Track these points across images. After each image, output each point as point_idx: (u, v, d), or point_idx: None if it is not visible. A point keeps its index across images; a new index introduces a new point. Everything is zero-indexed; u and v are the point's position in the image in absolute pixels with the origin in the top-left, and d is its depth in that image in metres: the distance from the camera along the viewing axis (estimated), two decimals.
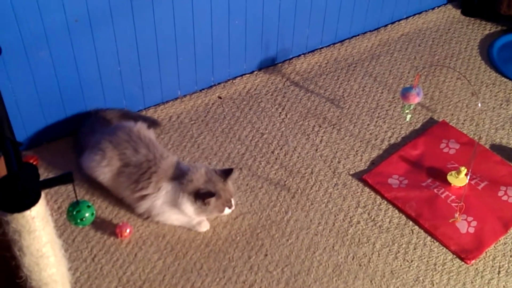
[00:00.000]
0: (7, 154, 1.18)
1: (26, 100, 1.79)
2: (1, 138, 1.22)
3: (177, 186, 1.63)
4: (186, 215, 1.65)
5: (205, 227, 1.68)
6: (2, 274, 1.28)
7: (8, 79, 1.71)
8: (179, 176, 1.64)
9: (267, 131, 2.00)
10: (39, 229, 1.15)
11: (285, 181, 1.84)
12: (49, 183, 1.15)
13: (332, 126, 2.02)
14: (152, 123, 1.97)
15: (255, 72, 2.22)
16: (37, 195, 1.10)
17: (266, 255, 1.64)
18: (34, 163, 1.82)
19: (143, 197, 1.65)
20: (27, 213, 1.10)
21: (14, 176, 1.09)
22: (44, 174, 1.81)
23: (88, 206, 1.23)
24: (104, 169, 1.69)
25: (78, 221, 1.23)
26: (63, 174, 1.16)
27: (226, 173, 1.65)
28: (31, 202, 1.09)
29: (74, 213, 1.22)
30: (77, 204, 1.22)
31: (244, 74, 2.21)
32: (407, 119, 2.00)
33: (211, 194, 1.59)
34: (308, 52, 2.31)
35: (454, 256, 1.65)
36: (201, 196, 1.59)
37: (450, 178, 1.82)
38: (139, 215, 1.70)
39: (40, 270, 1.22)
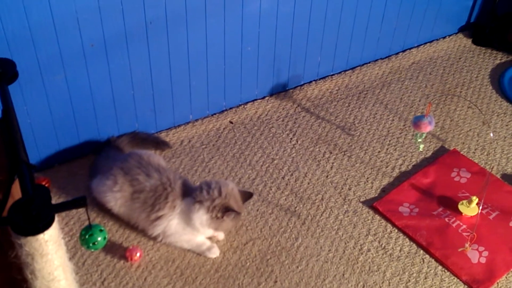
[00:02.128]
0: (22, 178, 1.19)
1: (40, 123, 1.82)
2: (16, 161, 1.23)
3: (189, 201, 1.65)
4: (195, 229, 1.65)
5: (214, 253, 1.68)
6: None
7: (24, 102, 1.73)
8: (190, 192, 1.67)
9: (277, 157, 2.01)
10: (51, 252, 1.15)
11: (296, 207, 1.84)
12: (63, 207, 1.16)
13: (343, 153, 2.02)
14: (162, 144, 2.00)
15: (267, 98, 2.23)
16: (51, 219, 1.11)
17: (275, 281, 1.63)
18: (46, 185, 1.83)
19: (159, 217, 1.66)
20: (41, 236, 1.11)
21: (28, 200, 1.10)
22: (56, 196, 1.82)
23: (101, 230, 1.23)
24: (116, 194, 1.71)
25: (91, 245, 1.23)
26: (77, 198, 1.17)
27: (245, 196, 1.70)
28: (45, 225, 1.10)
29: (87, 237, 1.22)
30: (90, 228, 1.22)
31: (256, 100, 2.22)
32: (420, 149, 2.00)
33: (234, 210, 1.62)
34: (320, 79, 2.32)
35: (465, 286, 1.64)
36: (225, 210, 1.62)
37: (461, 207, 1.81)
38: (153, 238, 1.70)
39: None
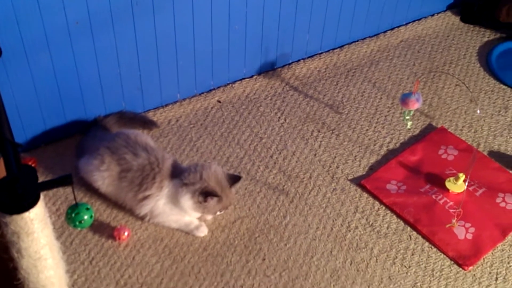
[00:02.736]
0: (6, 156, 1.18)
1: (25, 102, 1.80)
2: (0, 140, 1.22)
3: (177, 183, 1.64)
4: (183, 211, 1.65)
5: (202, 232, 1.69)
6: (0, 276, 1.28)
7: (8, 81, 1.71)
8: (179, 173, 1.66)
9: (266, 136, 2.00)
10: (37, 231, 1.14)
11: (284, 186, 1.84)
12: (48, 185, 1.15)
13: (331, 131, 2.02)
14: (150, 124, 1.99)
15: (255, 77, 2.22)
16: (36, 197, 1.10)
17: (264, 259, 1.64)
18: (33, 165, 1.82)
19: (147, 197, 1.65)
20: (26, 215, 1.10)
21: (13, 178, 1.09)
22: (42, 176, 1.81)
23: (87, 209, 1.23)
24: (103, 173, 1.70)
25: (77, 223, 1.23)
26: (62, 176, 1.16)
27: (233, 180, 1.67)
28: (30, 204, 1.09)
29: (73, 215, 1.21)
30: (76, 207, 1.22)
31: (244, 79, 2.21)
32: (408, 126, 2.01)
33: (215, 195, 1.61)
34: (308, 57, 2.31)
35: (452, 262, 1.66)
36: (206, 194, 1.60)
37: (448, 184, 1.82)
38: (140, 217, 1.70)
39: (38, 273, 1.21)
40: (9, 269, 1.22)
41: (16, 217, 1.10)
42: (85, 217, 1.22)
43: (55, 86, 1.82)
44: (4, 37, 1.60)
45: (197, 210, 1.65)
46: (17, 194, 1.08)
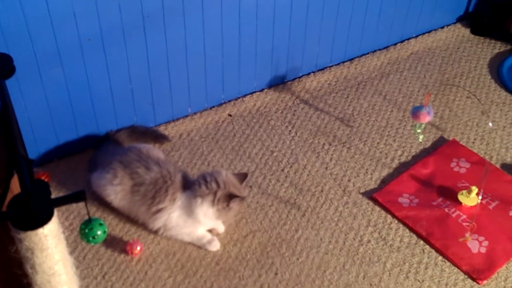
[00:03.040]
0: (20, 172, 1.19)
1: (38, 117, 1.81)
2: (15, 156, 1.23)
3: (190, 194, 1.65)
4: (197, 221, 1.65)
5: (215, 246, 1.69)
6: None
7: (21, 97, 1.73)
8: (190, 185, 1.67)
9: (277, 149, 2.01)
10: (51, 247, 1.15)
11: (295, 199, 1.84)
12: (62, 201, 1.16)
13: (342, 145, 2.02)
14: (161, 138, 2.00)
15: (265, 90, 2.23)
16: (50, 213, 1.11)
17: (276, 273, 1.63)
18: (46, 179, 1.83)
19: (160, 210, 1.66)
20: (40, 231, 1.10)
21: (27, 194, 1.10)
22: (55, 191, 1.82)
23: (100, 224, 1.23)
24: (116, 187, 1.70)
25: (90, 239, 1.23)
26: (76, 192, 1.17)
27: (242, 178, 1.70)
28: (44, 220, 1.10)
29: (87, 231, 1.22)
30: (89, 222, 1.22)
31: (254, 92, 2.22)
32: (420, 140, 2.00)
33: (238, 196, 1.63)
34: (318, 70, 2.32)
35: (466, 276, 1.64)
36: (230, 197, 1.63)
37: (461, 197, 1.81)
38: (154, 232, 1.70)
39: None
40: (23, 285, 1.22)
41: (30, 233, 1.10)
42: (99, 232, 1.22)
43: (68, 101, 1.83)
44: (18, 52, 1.62)
45: (219, 217, 1.66)
46: (31, 211, 1.09)
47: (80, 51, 1.74)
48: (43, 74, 1.73)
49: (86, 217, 1.23)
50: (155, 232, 1.70)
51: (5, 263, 1.21)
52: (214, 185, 1.64)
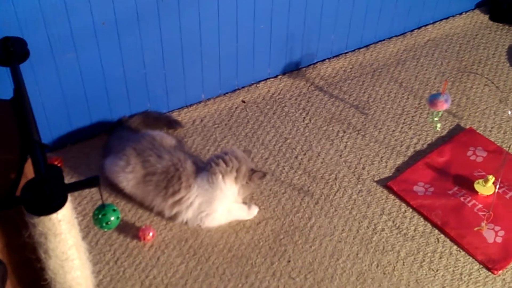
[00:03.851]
0: (35, 157, 1.19)
1: (52, 102, 1.81)
2: (29, 141, 1.23)
3: (205, 175, 1.66)
4: (220, 199, 1.66)
5: (254, 211, 1.73)
6: (27, 276, 1.28)
7: (35, 81, 1.73)
8: (202, 168, 1.68)
9: (290, 136, 1.99)
10: (65, 232, 1.15)
11: (309, 187, 1.82)
12: (76, 187, 1.15)
13: (356, 132, 2.00)
14: (175, 124, 1.99)
15: (279, 77, 2.21)
16: (64, 198, 1.11)
17: (289, 261, 1.63)
18: (59, 164, 1.83)
19: (178, 201, 1.65)
20: (54, 216, 1.10)
21: (42, 179, 1.10)
22: (68, 176, 1.82)
23: (114, 210, 1.23)
24: (128, 175, 1.70)
25: (104, 224, 1.23)
26: (90, 178, 1.16)
27: (249, 154, 1.75)
28: (58, 205, 1.10)
29: (100, 216, 1.21)
30: (103, 208, 1.22)
31: (268, 78, 2.20)
32: (437, 128, 1.97)
33: (263, 173, 1.70)
34: (333, 57, 2.29)
35: (481, 266, 1.62)
36: (253, 172, 1.68)
37: (477, 186, 1.79)
38: (170, 218, 1.70)
39: (65, 273, 1.22)
40: (36, 269, 1.22)
41: (44, 218, 1.10)
42: (112, 218, 1.22)
43: (81, 86, 1.83)
44: (32, 37, 1.61)
45: (242, 192, 1.69)
46: (45, 195, 1.09)
47: (94, 36, 1.73)
48: (57, 59, 1.72)
49: (99, 203, 1.23)
50: (170, 219, 1.70)
51: (19, 248, 1.21)
52: (235, 162, 1.66)
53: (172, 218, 1.69)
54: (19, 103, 1.34)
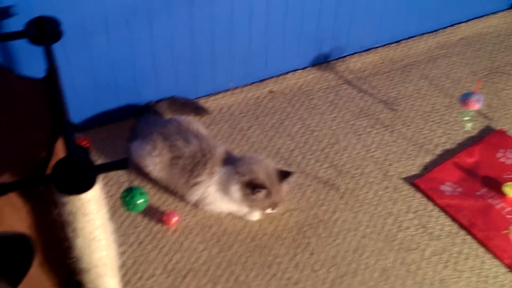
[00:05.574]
0: (67, 137, 1.19)
1: (81, 83, 1.81)
2: (61, 121, 1.23)
3: (229, 170, 1.64)
4: (233, 200, 1.64)
5: (255, 216, 1.68)
6: (54, 254, 1.29)
7: (66, 62, 1.73)
8: (231, 162, 1.66)
9: (317, 129, 1.97)
10: (93, 212, 1.15)
11: (334, 181, 1.81)
12: (106, 168, 1.16)
13: (384, 128, 1.98)
14: (201, 110, 1.98)
15: (308, 68, 2.19)
16: (94, 179, 1.11)
17: (312, 253, 1.62)
18: (87, 145, 1.83)
19: (197, 183, 1.65)
20: (83, 196, 1.11)
21: (73, 159, 1.10)
22: (94, 157, 1.82)
23: (142, 193, 1.23)
24: (155, 159, 1.70)
25: (131, 207, 1.23)
26: (119, 160, 1.17)
27: (284, 175, 1.64)
28: (88, 185, 1.10)
29: (128, 199, 1.22)
30: (131, 191, 1.22)
31: (297, 70, 2.18)
32: (468, 128, 1.93)
33: (262, 187, 1.58)
34: (363, 51, 2.27)
35: (508, 269, 1.60)
36: (253, 186, 1.59)
37: (506, 189, 1.76)
38: (193, 204, 1.70)
39: (91, 253, 1.23)
40: (63, 248, 1.23)
41: (74, 198, 1.10)
42: (140, 201, 1.23)
43: (111, 68, 1.83)
44: (65, 17, 1.61)
45: (245, 202, 1.63)
46: (76, 175, 1.09)
47: (126, 19, 1.73)
48: (88, 41, 1.72)
49: (125, 185, 1.24)
50: (194, 205, 1.70)
51: (47, 226, 1.22)
52: (248, 169, 1.61)
53: (191, 200, 1.69)
54: (51, 83, 1.34)
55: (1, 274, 1.25)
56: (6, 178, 1.15)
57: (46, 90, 1.37)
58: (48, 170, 1.20)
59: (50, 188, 1.16)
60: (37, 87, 1.40)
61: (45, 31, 1.40)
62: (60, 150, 1.25)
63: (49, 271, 1.33)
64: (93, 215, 1.15)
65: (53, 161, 1.21)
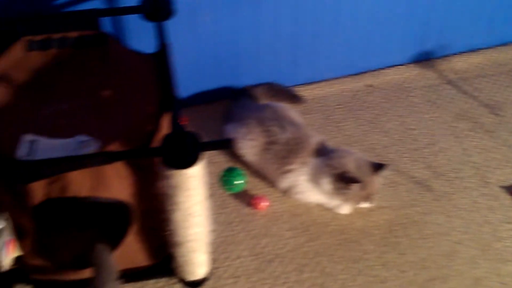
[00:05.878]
0: (174, 113, 1.22)
1: (184, 61, 1.83)
2: (170, 96, 1.26)
3: (321, 162, 1.62)
4: (323, 193, 1.63)
5: (346, 209, 1.66)
6: (151, 224, 1.33)
7: (171, 39, 1.76)
8: (324, 153, 1.64)
9: (415, 127, 1.92)
10: (194, 188, 1.18)
11: (429, 182, 1.75)
12: (210, 146, 1.18)
13: (486, 133, 1.89)
14: (297, 98, 1.97)
15: (409, 65, 2.13)
16: (199, 156, 1.13)
17: (400, 254, 1.58)
18: (185, 123, 1.87)
19: (289, 171, 1.65)
20: (187, 171, 1.13)
21: (183, 134, 1.12)
22: None
23: (241, 175, 1.24)
24: (249, 142, 1.71)
25: (230, 186, 1.25)
26: (224, 139, 1.19)
27: (377, 167, 1.61)
28: (193, 161, 1.12)
29: (229, 178, 1.23)
30: (232, 171, 1.24)
31: (398, 65, 2.13)
32: None
33: (356, 181, 1.56)
34: (469, 51, 2.18)
35: None
36: (346, 180, 1.56)
37: None
38: (282, 191, 1.70)
39: (187, 227, 1.25)
40: (159, 219, 1.26)
41: (178, 172, 1.13)
42: (239, 181, 1.24)
43: (214, 50, 1.86)
44: None
45: (337, 196, 1.62)
46: (183, 150, 1.11)
47: (233, 2, 1.75)
48: (194, 20, 1.75)
49: (221, 165, 1.25)
50: (284, 192, 1.70)
51: (148, 197, 1.26)
52: (340, 162, 1.59)
53: (281, 187, 1.69)
54: (162, 59, 1.38)
55: (103, 236, 1.31)
56: (115, 147, 1.20)
57: (156, 65, 1.41)
58: (153, 144, 1.24)
59: (154, 161, 1.20)
60: (148, 62, 1.45)
61: (159, 8, 1.44)
62: (164, 125, 1.28)
63: (144, 240, 1.37)
64: (193, 190, 1.18)
65: (158, 135, 1.25)
